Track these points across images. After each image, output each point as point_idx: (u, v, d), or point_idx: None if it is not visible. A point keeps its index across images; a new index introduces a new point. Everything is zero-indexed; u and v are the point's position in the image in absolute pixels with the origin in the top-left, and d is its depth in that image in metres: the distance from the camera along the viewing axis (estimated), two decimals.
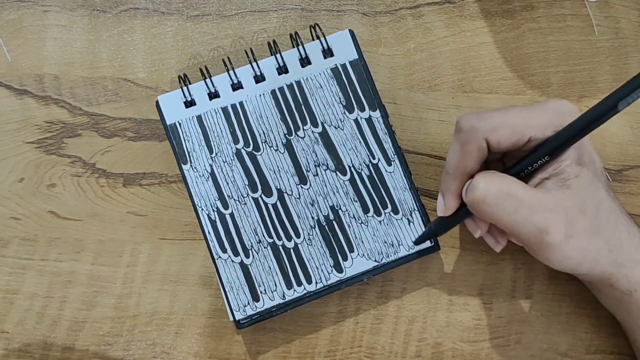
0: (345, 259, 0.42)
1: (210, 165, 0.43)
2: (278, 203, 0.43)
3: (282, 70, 0.44)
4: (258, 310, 0.42)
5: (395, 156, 0.43)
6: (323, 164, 0.43)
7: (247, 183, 0.43)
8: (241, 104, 0.44)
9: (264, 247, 0.42)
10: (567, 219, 0.35)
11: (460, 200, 0.39)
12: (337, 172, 0.43)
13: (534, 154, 0.37)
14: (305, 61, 0.44)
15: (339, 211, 0.43)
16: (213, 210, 0.43)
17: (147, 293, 0.44)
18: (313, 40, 0.44)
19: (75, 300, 0.44)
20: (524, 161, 0.37)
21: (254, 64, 0.44)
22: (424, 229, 0.43)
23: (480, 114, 0.37)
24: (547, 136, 0.36)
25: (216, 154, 0.43)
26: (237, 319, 0.42)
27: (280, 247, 0.42)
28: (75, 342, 0.44)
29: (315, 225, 0.43)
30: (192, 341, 0.44)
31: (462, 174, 0.38)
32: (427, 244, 0.42)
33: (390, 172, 0.43)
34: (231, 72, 0.44)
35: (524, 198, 0.35)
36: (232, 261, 0.42)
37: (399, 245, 0.42)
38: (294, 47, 0.44)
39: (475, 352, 0.44)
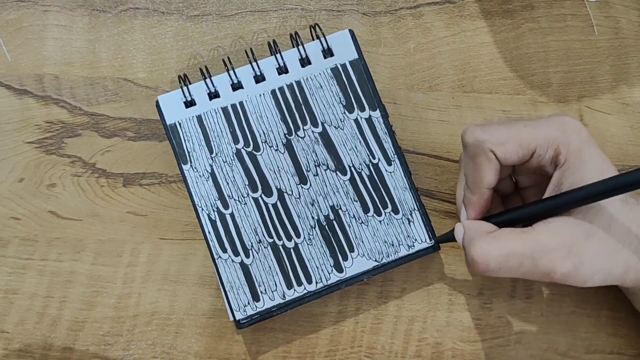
0: (345, 258, 0.42)
1: (211, 165, 0.43)
2: (278, 203, 0.43)
3: (282, 70, 0.44)
4: (258, 310, 0.42)
5: (395, 156, 0.43)
6: (323, 164, 0.43)
7: (247, 183, 0.43)
8: (241, 104, 0.44)
9: (264, 247, 0.42)
10: (572, 251, 0.35)
11: (481, 214, 0.39)
12: (337, 172, 0.43)
13: (544, 204, 0.37)
14: (305, 61, 0.44)
15: (339, 211, 0.43)
16: (213, 210, 0.43)
17: (147, 293, 0.44)
18: (313, 40, 0.44)
19: (75, 300, 0.44)
20: (528, 209, 0.38)
21: (254, 64, 0.44)
22: (423, 229, 0.43)
23: (484, 127, 0.37)
24: (550, 155, 0.37)
25: (216, 153, 0.43)
26: (237, 318, 0.42)
27: (281, 247, 0.42)
28: (75, 342, 0.44)
29: (315, 225, 0.43)
30: (192, 341, 0.44)
31: (480, 188, 0.38)
32: (427, 244, 0.42)
33: (390, 172, 0.43)
34: (231, 72, 0.44)
35: (524, 251, 0.35)
36: (232, 261, 0.42)
37: (399, 245, 0.42)
38: (294, 47, 0.44)
39: (475, 352, 0.44)
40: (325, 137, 0.43)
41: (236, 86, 0.44)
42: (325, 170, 0.43)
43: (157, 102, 0.44)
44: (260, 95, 0.44)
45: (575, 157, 0.36)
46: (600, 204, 0.36)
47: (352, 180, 0.43)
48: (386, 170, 0.43)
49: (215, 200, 0.43)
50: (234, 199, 0.43)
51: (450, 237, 0.41)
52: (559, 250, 0.35)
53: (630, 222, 0.36)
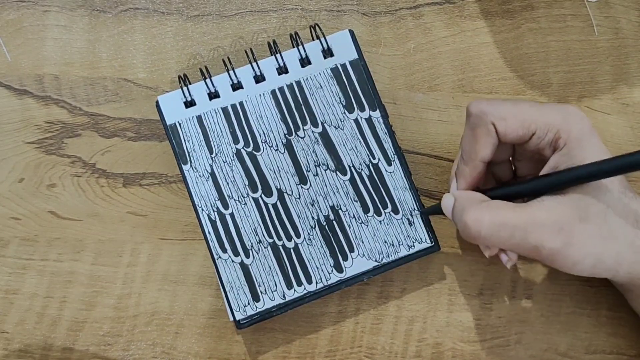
0: (345, 258, 0.42)
1: (210, 165, 0.43)
2: (278, 203, 0.43)
3: (282, 70, 0.44)
4: (258, 310, 0.42)
5: (395, 156, 0.43)
6: (323, 164, 0.43)
7: (247, 183, 0.43)
8: (241, 104, 0.44)
9: (264, 247, 0.42)
10: (563, 230, 0.35)
11: (471, 187, 0.39)
12: (337, 172, 0.43)
13: (538, 181, 0.37)
14: (305, 61, 0.44)
15: (339, 211, 0.43)
16: (213, 210, 0.43)
17: (147, 293, 0.44)
18: (313, 40, 0.44)
19: (75, 300, 0.44)
20: (526, 185, 0.37)
21: (254, 64, 0.44)
22: (423, 229, 0.43)
23: (490, 101, 0.38)
24: (550, 138, 0.37)
25: (216, 154, 0.43)
26: (237, 319, 0.42)
27: (281, 247, 0.42)
28: (75, 342, 0.44)
29: (315, 225, 0.43)
30: (192, 341, 0.44)
31: (474, 160, 0.38)
32: (427, 244, 0.42)
33: (390, 172, 0.43)
34: (231, 72, 0.44)
35: (517, 223, 0.35)
36: (232, 261, 0.42)
37: (399, 245, 0.42)
38: (294, 47, 0.44)
39: (475, 352, 0.44)
40: (325, 137, 0.43)
41: (236, 86, 0.44)
42: (325, 170, 0.43)
43: (157, 102, 0.44)
44: (260, 95, 0.44)
45: (575, 143, 0.36)
46: (598, 192, 0.36)
47: (352, 180, 0.43)
48: (386, 171, 0.43)
49: (215, 200, 0.43)
50: (234, 199, 0.43)
51: (437, 209, 0.41)
52: (551, 226, 0.35)
53: (626, 215, 0.36)
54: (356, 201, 0.43)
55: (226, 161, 0.43)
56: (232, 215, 0.43)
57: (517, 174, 0.42)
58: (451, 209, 0.38)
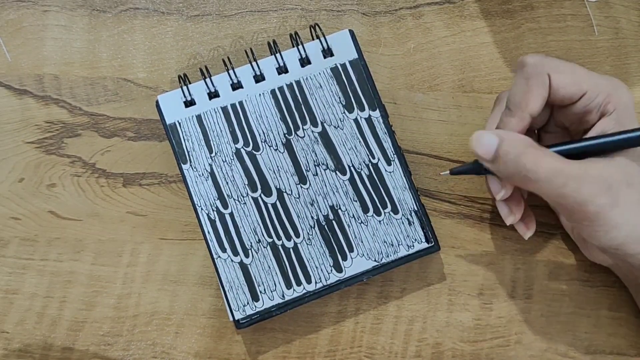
0: (344, 258, 0.42)
1: (210, 165, 0.43)
2: (278, 203, 0.43)
3: (282, 70, 0.44)
4: (257, 310, 0.42)
5: (395, 156, 0.43)
6: (323, 164, 0.43)
7: (246, 183, 0.43)
8: (241, 103, 0.44)
9: (264, 247, 0.42)
10: (612, 189, 0.35)
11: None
12: (337, 171, 0.43)
13: (591, 141, 0.37)
14: (305, 61, 0.44)
15: (339, 211, 0.43)
16: (213, 210, 0.43)
17: (147, 293, 0.44)
18: (313, 40, 0.44)
19: (75, 300, 0.44)
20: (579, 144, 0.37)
21: (254, 63, 0.44)
22: (423, 230, 0.42)
23: (546, 55, 0.38)
24: (599, 101, 0.37)
25: (216, 153, 0.43)
26: (236, 318, 0.42)
27: (280, 247, 0.42)
28: (75, 342, 0.44)
29: (314, 225, 0.43)
30: (192, 341, 0.44)
31: (523, 111, 0.37)
32: (426, 244, 0.42)
33: (390, 172, 0.43)
34: (231, 71, 0.44)
35: (572, 172, 0.35)
36: (232, 261, 0.42)
37: (398, 245, 0.42)
38: (293, 46, 0.44)
39: (475, 352, 0.44)
40: (324, 137, 0.43)
41: (236, 86, 0.44)
42: (324, 170, 0.43)
43: (157, 101, 0.44)
44: (260, 95, 0.44)
45: (624, 110, 0.37)
46: None
47: (352, 180, 0.43)
48: (386, 170, 0.43)
49: (214, 199, 0.43)
50: (234, 199, 0.43)
51: (469, 169, 0.40)
52: (602, 183, 0.35)
53: None
54: (356, 201, 0.43)
55: (226, 161, 0.43)
56: (231, 214, 0.42)
57: (556, 124, 0.41)
58: (494, 149, 0.37)
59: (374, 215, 0.43)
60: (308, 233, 0.42)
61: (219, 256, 0.42)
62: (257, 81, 0.44)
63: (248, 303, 0.42)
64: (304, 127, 0.43)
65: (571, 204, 0.35)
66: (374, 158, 0.43)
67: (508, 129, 0.38)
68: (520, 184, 0.37)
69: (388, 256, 0.42)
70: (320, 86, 0.44)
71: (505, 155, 0.36)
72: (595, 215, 0.35)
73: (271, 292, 0.42)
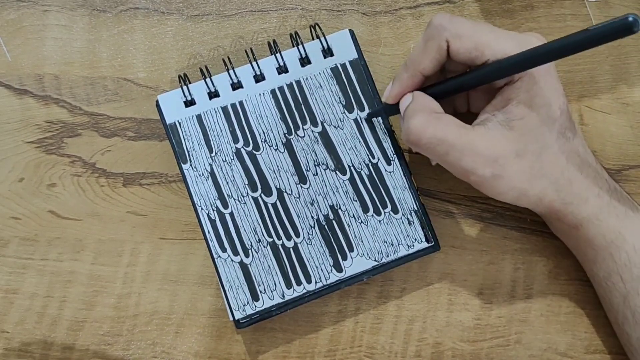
0: (345, 258, 0.42)
1: (210, 165, 0.43)
2: (278, 202, 0.43)
3: (282, 69, 0.44)
4: (257, 309, 0.42)
5: (395, 156, 0.43)
6: (323, 164, 0.43)
7: (246, 182, 0.43)
8: (241, 103, 0.44)
9: (264, 247, 0.42)
10: (497, 162, 0.36)
11: (405, 92, 0.40)
12: (337, 171, 0.43)
13: (476, 72, 0.37)
14: (305, 61, 0.44)
15: (339, 211, 0.43)
16: (213, 210, 0.43)
17: (147, 293, 0.44)
18: (313, 39, 0.44)
19: (75, 300, 0.44)
20: (463, 77, 0.38)
21: (254, 63, 0.44)
22: (423, 230, 0.42)
23: (453, 17, 0.38)
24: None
25: (216, 153, 0.43)
26: (236, 318, 0.42)
27: (280, 247, 0.42)
28: (75, 342, 0.44)
29: (314, 224, 0.43)
30: (192, 341, 0.44)
31: (416, 70, 0.39)
32: (426, 244, 0.42)
33: (390, 172, 0.43)
34: (231, 71, 0.44)
35: (455, 143, 0.36)
36: (232, 260, 0.42)
37: (398, 245, 0.42)
38: (293, 46, 0.44)
39: (475, 352, 0.44)
40: (324, 137, 0.43)
41: (236, 86, 0.44)
42: (324, 169, 0.43)
43: (157, 101, 0.44)
44: (260, 94, 0.44)
45: (530, 79, 0.37)
46: (540, 131, 0.37)
47: (352, 179, 0.43)
48: (386, 170, 0.43)
49: (214, 199, 0.43)
50: (234, 199, 0.43)
51: (377, 111, 0.42)
52: (486, 157, 0.36)
53: (560, 154, 0.38)
54: (356, 201, 0.43)
55: (226, 160, 0.43)
56: (231, 214, 0.42)
57: (471, 109, 0.43)
58: (405, 106, 0.39)
59: (374, 215, 0.43)
60: (308, 233, 0.42)
61: (219, 256, 0.42)
62: (257, 81, 0.44)
63: (248, 303, 0.42)
64: (304, 127, 0.43)
65: (455, 171, 0.38)
66: (374, 158, 0.43)
67: (399, 82, 0.40)
68: (409, 144, 0.38)
69: (388, 256, 0.42)
70: (320, 86, 0.44)
71: (406, 115, 0.38)
72: (477, 184, 0.38)
73: (271, 291, 0.42)
